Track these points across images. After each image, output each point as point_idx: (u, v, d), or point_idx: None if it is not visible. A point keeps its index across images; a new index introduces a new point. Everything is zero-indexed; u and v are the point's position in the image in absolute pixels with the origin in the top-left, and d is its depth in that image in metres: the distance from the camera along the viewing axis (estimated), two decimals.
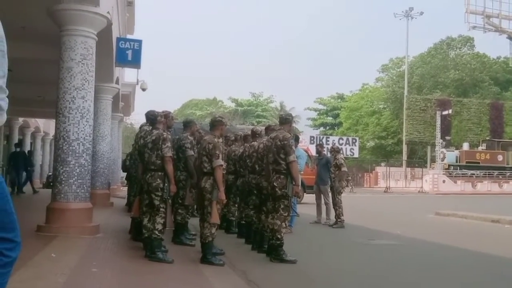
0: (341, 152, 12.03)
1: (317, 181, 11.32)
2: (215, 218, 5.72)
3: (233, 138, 8.65)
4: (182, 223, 7.33)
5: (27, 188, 18.02)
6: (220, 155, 5.81)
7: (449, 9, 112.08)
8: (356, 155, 40.68)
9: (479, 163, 38.73)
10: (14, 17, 8.90)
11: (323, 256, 7.19)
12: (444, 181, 35.94)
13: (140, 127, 7.26)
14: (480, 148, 41.00)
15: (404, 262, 6.79)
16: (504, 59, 56.55)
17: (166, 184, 5.80)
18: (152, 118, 6.26)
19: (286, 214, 6.31)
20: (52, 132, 26.78)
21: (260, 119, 56.74)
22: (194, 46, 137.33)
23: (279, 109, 58.54)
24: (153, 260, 5.64)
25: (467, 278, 5.77)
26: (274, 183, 6.22)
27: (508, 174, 38.49)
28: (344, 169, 10.99)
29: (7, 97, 1.99)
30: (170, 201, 6.50)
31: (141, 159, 6.18)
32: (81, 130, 7.60)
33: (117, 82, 14.37)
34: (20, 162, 17.11)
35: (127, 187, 12.07)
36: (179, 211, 7.25)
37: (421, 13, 48.48)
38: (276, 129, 6.73)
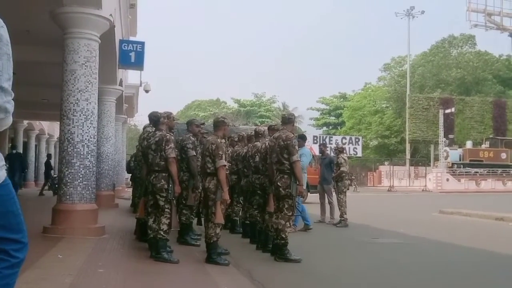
0: (345, 151, 12.05)
1: (321, 180, 11.35)
2: (220, 218, 5.75)
3: (237, 138, 8.69)
4: (187, 223, 7.36)
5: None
6: (223, 156, 5.84)
7: (451, 7, 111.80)
8: (360, 154, 40.63)
9: (482, 161, 38.69)
10: (18, 21, 8.97)
11: (328, 255, 7.22)
12: (447, 180, 35.91)
13: (144, 129, 7.30)
14: (483, 146, 40.96)
15: (408, 261, 6.81)
16: (506, 57, 56.48)
17: (170, 185, 5.83)
18: (155, 119, 6.30)
19: (290, 214, 6.34)
20: (56, 134, 26.91)
21: (263, 119, 56.78)
22: (196, 47, 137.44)
23: (282, 109, 58.53)
24: (159, 260, 5.67)
25: (472, 276, 5.79)
26: (278, 183, 6.25)
27: None
28: (343, 168, 10.97)
29: (12, 99, 2.02)
30: (174, 201, 6.53)
31: (145, 161, 6.21)
32: (85, 132, 7.64)
33: (120, 84, 14.43)
34: (16, 164, 17.16)
35: (131, 188, 12.12)
36: (184, 211, 7.28)
37: (422, 12, 48.50)
38: (278, 129, 6.76)
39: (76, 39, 7.73)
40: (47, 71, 13.00)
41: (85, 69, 7.70)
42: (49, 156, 23.42)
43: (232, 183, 7.80)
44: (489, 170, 38.21)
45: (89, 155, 7.69)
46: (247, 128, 14.86)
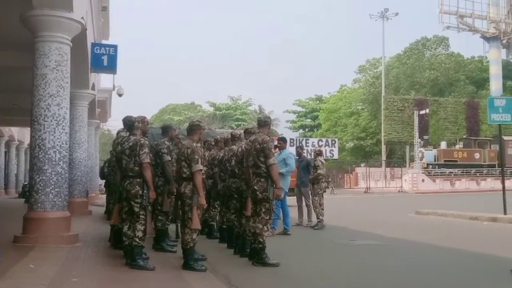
0: (322, 154, 12.10)
1: (298, 183, 11.35)
2: (196, 224, 5.67)
3: (213, 142, 8.61)
4: (163, 229, 7.25)
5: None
6: (199, 160, 5.76)
7: (424, 9, 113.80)
8: (336, 156, 40.91)
9: (456, 161, 39.34)
10: None
11: (306, 258, 7.19)
12: (423, 180, 36.42)
13: (117, 133, 7.16)
14: (457, 146, 41.67)
15: (386, 262, 6.83)
16: (478, 58, 57.68)
17: (145, 191, 5.72)
18: (129, 123, 6.18)
19: (267, 218, 6.29)
20: (27, 140, 26.39)
21: (239, 123, 56.73)
22: (171, 50, 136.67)
23: (258, 112, 58.60)
24: (134, 268, 5.56)
25: (449, 276, 5.83)
26: (255, 187, 6.20)
27: (485, 171, 39.16)
28: (320, 171, 10.97)
29: None
30: (150, 208, 6.42)
31: (119, 166, 6.09)
32: (57, 138, 7.48)
33: (93, 88, 14.22)
34: None
35: (105, 195, 11.92)
36: (159, 217, 7.17)
37: (396, 14, 49.20)
38: (255, 132, 6.71)
39: (46, 43, 7.57)
40: (17, 76, 12.73)
41: (56, 73, 7.54)
42: None
43: (208, 188, 7.72)
44: (463, 170, 38.89)
45: (61, 161, 7.53)
46: (223, 131, 14.78)
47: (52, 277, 5.13)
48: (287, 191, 9.78)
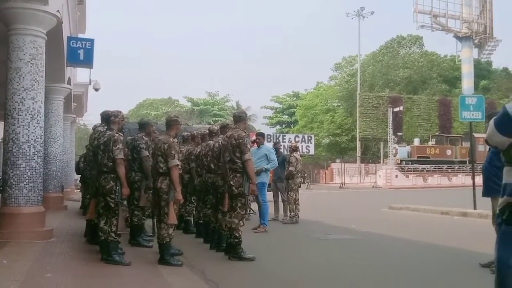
0: (298, 150, 12.13)
1: (275, 179, 11.43)
2: (173, 219, 5.70)
3: (190, 137, 8.61)
4: (139, 224, 7.25)
5: None
6: (176, 155, 5.78)
7: (399, 9, 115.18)
8: (312, 152, 41.25)
9: (429, 157, 40.11)
10: None
11: (281, 252, 7.28)
12: (396, 176, 37.02)
13: (94, 128, 7.12)
14: (430, 143, 42.45)
15: (360, 256, 6.97)
16: (451, 57, 58.73)
17: (118, 187, 5.71)
18: (106, 118, 6.16)
19: (243, 213, 6.35)
20: (0, 134, 25.86)
21: (216, 118, 56.61)
22: (148, 45, 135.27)
23: (236, 108, 58.54)
24: (110, 263, 5.56)
25: (421, 269, 5.98)
26: (231, 182, 6.25)
27: (457, 167, 40.03)
28: (291, 168, 10.85)
29: None
30: (124, 204, 6.40)
31: (95, 161, 6.07)
32: (32, 132, 7.40)
33: (69, 83, 14.04)
34: None
35: (81, 190, 11.81)
36: (135, 212, 7.17)
37: (372, 13, 49.73)
38: (231, 127, 6.75)
39: (21, 36, 7.47)
40: None
41: (31, 66, 7.45)
42: None
43: (185, 183, 7.74)
44: (436, 166, 39.67)
45: (36, 156, 7.45)
46: (200, 127, 14.80)
47: (26, 272, 5.10)
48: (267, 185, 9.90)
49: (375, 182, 37.29)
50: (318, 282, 5.36)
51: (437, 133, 44.93)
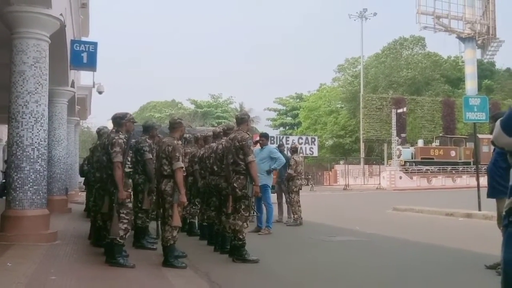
0: (300, 151, 12.06)
1: (279, 180, 11.42)
2: (177, 221, 5.69)
3: (193, 139, 8.61)
4: (143, 227, 7.25)
5: None
6: (180, 157, 5.78)
7: (402, 10, 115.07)
8: (316, 154, 41.17)
9: (433, 159, 39.99)
10: None
11: (285, 254, 7.26)
12: (400, 177, 36.90)
13: (97, 131, 7.14)
14: (434, 144, 42.34)
15: (365, 258, 6.95)
16: (454, 58, 58.67)
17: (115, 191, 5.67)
18: (114, 120, 6.12)
19: (247, 215, 6.35)
20: (4, 138, 25.94)
21: (220, 120, 56.68)
22: (151, 47, 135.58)
23: (239, 110, 58.59)
24: (114, 265, 5.55)
25: (426, 270, 5.96)
26: (234, 184, 6.25)
27: (461, 169, 39.89)
28: (290, 171, 10.72)
29: None
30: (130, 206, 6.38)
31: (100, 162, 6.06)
32: (35, 135, 7.40)
33: (72, 86, 14.07)
34: None
35: (85, 192, 11.83)
36: (139, 215, 7.16)
37: (375, 14, 49.69)
38: (233, 129, 6.76)
39: (24, 39, 7.48)
40: None
41: (35, 70, 7.46)
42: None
43: (189, 185, 7.74)
44: (440, 167, 39.54)
45: (40, 158, 7.46)
46: (203, 129, 14.80)
47: (31, 275, 5.10)
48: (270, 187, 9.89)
49: (379, 183, 37.20)
50: (323, 284, 5.34)
51: (441, 134, 44.81)
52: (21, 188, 7.28)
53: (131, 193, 6.00)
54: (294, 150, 11.34)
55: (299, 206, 10.87)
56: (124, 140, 5.80)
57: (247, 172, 6.21)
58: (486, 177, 5.91)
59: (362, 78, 49.63)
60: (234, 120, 7.03)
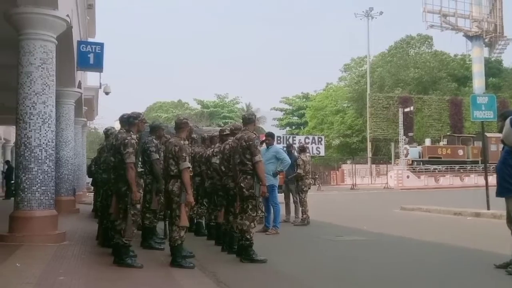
0: (308, 151, 12.02)
1: (286, 180, 11.39)
2: (184, 221, 5.69)
3: (200, 140, 8.62)
4: (150, 227, 7.26)
5: None
6: (187, 158, 5.78)
7: (408, 8, 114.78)
8: (322, 153, 41.13)
9: (441, 158, 39.83)
10: None
11: (293, 254, 7.25)
12: (408, 177, 36.77)
13: (105, 132, 7.15)
14: (441, 143, 42.17)
15: (372, 257, 6.91)
16: (461, 56, 58.35)
17: (127, 192, 5.65)
18: (125, 120, 6.11)
19: (254, 214, 6.33)
20: (13, 139, 26.09)
21: (226, 120, 56.72)
22: (159, 48, 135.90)
23: (246, 110, 58.63)
24: (122, 266, 5.56)
25: (435, 270, 5.93)
26: (241, 184, 6.24)
27: (469, 168, 39.70)
28: (300, 171, 10.71)
29: None
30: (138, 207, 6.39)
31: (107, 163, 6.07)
32: (43, 136, 7.44)
33: (79, 86, 14.13)
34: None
35: (93, 193, 11.88)
36: (147, 215, 7.16)
37: (381, 13, 49.57)
38: (241, 129, 6.74)
39: (31, 40, 7.52)
40: (2, 74, 12.58)
41: (42, 71, 7.49)
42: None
43: (196, 185, 7.74)
44: (447, 166, 39.36)
45: (47, 159, 7.49)
46: (210, 129, 14.81)
47: (39, 275, 5.12)
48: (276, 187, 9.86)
49: (387, 183, 37.08)
50: (330, 283, 5.32)
51: (448, 133, 44.64)
52: (29, 189, 7.31)
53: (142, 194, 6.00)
54: (302, 150, 11.34)
55: (306, 206, 10.85)
56: (136, 140, 5.81)
57: (254, 172, 6.20)
58: (494, 176, 5.86)
59: (369, 77, 49.48)
60: (241, 120, 7.01)
